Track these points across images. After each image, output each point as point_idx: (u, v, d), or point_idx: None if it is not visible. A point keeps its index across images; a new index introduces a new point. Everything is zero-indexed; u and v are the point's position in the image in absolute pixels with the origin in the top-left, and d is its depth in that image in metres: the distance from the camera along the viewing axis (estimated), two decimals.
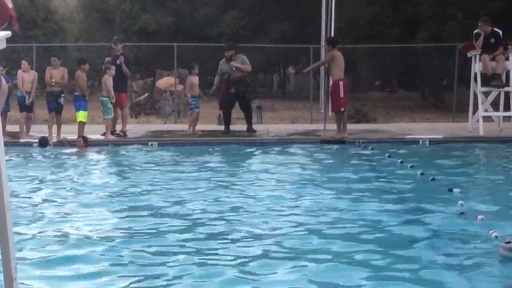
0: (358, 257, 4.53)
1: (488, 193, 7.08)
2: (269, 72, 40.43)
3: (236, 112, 14.88)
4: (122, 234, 5.31)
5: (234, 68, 13.69)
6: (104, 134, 13.22)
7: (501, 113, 13.42)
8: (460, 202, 6.11)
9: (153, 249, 4.79)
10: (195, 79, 14.09)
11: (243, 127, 14.24)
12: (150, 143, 12.47)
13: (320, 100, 19.92)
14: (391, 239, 5.00)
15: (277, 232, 5.29)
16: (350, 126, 13.93)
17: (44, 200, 6.87)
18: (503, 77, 12.99)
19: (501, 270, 4.20)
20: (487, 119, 13.33)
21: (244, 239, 5.08)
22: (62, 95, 13.25)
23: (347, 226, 5.49)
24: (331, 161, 10.13)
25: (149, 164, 9.92)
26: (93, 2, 34.55)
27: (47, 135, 12.78)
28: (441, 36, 20.48)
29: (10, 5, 2.76)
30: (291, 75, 41.49)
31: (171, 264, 4.43)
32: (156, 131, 14.80)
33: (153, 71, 22.49)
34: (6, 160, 2.76)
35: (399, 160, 9.42)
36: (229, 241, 5.03)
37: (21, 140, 12.73)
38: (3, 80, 2.89)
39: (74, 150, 11.71)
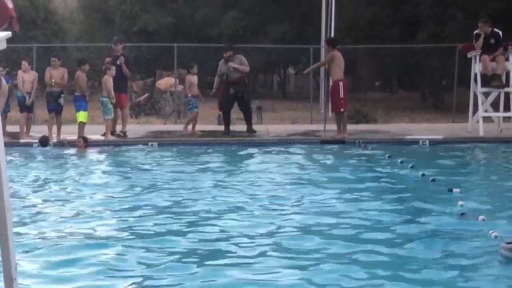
0: (358, 257, 4.53)
1: (488, 194, 7.07)
2: (269, 72, 40.43)
3: (236, 112, 14.89)
4: (122, 234, 5.31)
5: (231, 69, 13.71)
6: (104, 135, 13.22)
7: (501, 114, 13.42)
8: (460, 202, 6.11)
9: (153, 249, 4.79)
10: (194, 79, 14.10)
11: (243, 127, 14.24)
12: (150, 144, 12.48)
13: (320, 100, 19.92)
14: (391, 239, 5.00)
15: (277, 232, 5.29)
16: (350, 127, 13.93)
17: (44, 201, 6.87)
18: (503, 77, 12.99)
19: (502, 271, 4.20)
20: (487, 119, 13.33)
21: (244, 239, 5.08)
22: (62, 95, 13.25)
23: (347, 226, 5.50)
24: (331, 161, 10.13)
25: (149, 164, 9.93)
26: (93, 2, 34.55)
27: (47, 135, 12.77)
28: (441, 37, 20.48)
29: (10, 5, 2.76)
30: (291, 76, 41.49)
31: (171, 264, 4.43)
32: (156, 131, 14.80)
33: (153, 72, 22.49)
34: (6, 161, 2.76)
35: (399, 161, 9.42)
36: (229, 241, 5.03)
37: (21, 141, 12.73)
38: (3, 81, 2.89)
39: (74, 150, 11.70)
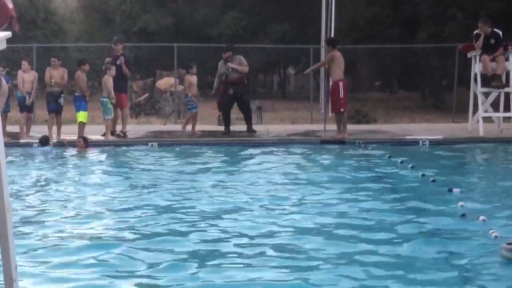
0: (358, 257, 4.53)
1: (488, 194, 7.08)
2: (269, 72, 40.43)
3: (236, 112, 14.89)
4: (123, 235, 5.31)
5: (230, 70, 13.71)
6: (104, 135, 13.22)
7: (501, 114, 13.41)
8: (460, 203, 6.11)
9: (153, 249, 4.79)
10: (193, 79, 14.10)
11: (243, 127, 14.24)
12: (150, 144, 12.47)
13: (320, 100, 19.90)
14: (391, 240, 5.00)
15: (277, 232, 5.29)
16: (350, 127, 13.93)
17: (44, 201, 6.87)
18: (503, 77, 12.98)
19: (502, 271, 4.20)
20: (487, 119, 13.33)
21: (244, 239, 5.08)
22: (62, 95, 13.24)
23: (347, 226, 5.50)
24: (331, 161, 10.13)
25: (149, 164, 9.92)
26: (93, 2, 34.53)
27: (47, 135, 12.77)
28: (441, 37, 20.47)
29: (10, 5, 2.76)
30: (291, 76, 41.49)
31: (171, 264, 4.43)
32: (156, 131, 14.80)
33: (153, 72, 22.48)
34: (6, 161, 2.76)
35: (399, 161, 9.42)
36: (230, 241, 5.03)
37: (21, 141, 12.72)
38: (4, 81, 2.89)
39: (74, 150, 11.70)
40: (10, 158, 10.31)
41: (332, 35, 18.59)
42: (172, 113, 19.07)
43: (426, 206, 6.31)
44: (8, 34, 2.76)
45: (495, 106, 13.34)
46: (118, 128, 13.69)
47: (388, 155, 10.22)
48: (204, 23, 30.84)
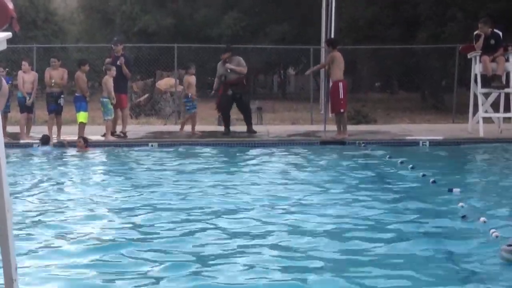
0: (357, 257, 4.54)
1: (489, 194, 7.07)
2: (269, 73, 40.44)
3: (236, 113, 14.89)
4: (123, 234, 5.31)
5: (229, 70, 13.72)
6: (104, 135, 13.22)
7: (501, 115, 13.42)
8: (460, 204, 6.11)
9: (153, 249, 4.79)
10: (192, 79, 14.11)
11: (243, 128, 14.24)
12: (150, 144, 12.48)
13: (320, 101, 19.89)
14: (391, 240, 5.00)
15: (277, 232, 5.29)
16: (350, 127, 13.93)
17: (44, 201, 6.87)
18: (503, 78, 12.99)
19: (502, 272, 4.20)
20: (487, 120, 13.33)
21: (244, 239, 5.08)
22: (62, 96, 13.25)
23: (347, 226, 5.50)
24: (331, 162, 10.13)
25: (149, 165, 9.93)
26: (93, 3, 34.54)
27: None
28: (441, 37, 20.47)
29: (10, 6, 2.76)
30: (291, 76, 41.50)
31: (172, 264, 4.43)
32: (156, 132, 14.80)
33: (153, 72, 22.48)
34: (7, 161, 2.76)
35: (400, 161, 9.43)
36: (230, 241, 5.03)
37: (21, 141, 12.72)
38: (4, 81, 2.89)
39: (75, 151, 11.70)
40: (10, 158, 10.31)
41: (332, 36, 18.60)
42: (172, 114, 19.06)
43: (426, 206, 6.31)
44: (8, 34, 2.77)
45: (495, 106, 13.34)
46: (118, 128, 13.70)
47: (388, 155, 10.22)
48: (204, 24, 30.85)
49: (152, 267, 4.39)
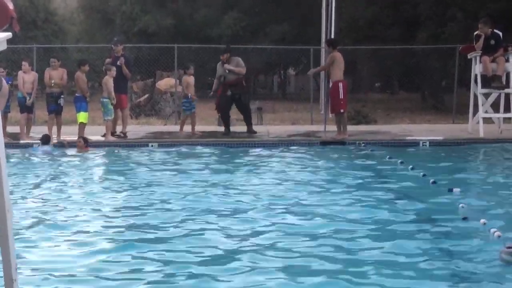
0: (358, 257, 4.54)
1: (489, 194, 7.06)
2: (269, 73, 40.43)
3: (236, 113, 14.89)
4: (123, 235, 5.32)
5: (227, 71, 13.71)
6: (104, 135, 13.22)
7: (501, 115, 13.42)
8: (461, 204, 6.11)
9: (152, 250, 4.79)
10: (190, 79, 14.11)
11: (243, 128, 14.24)
12: (150, 144, 12.48)
13: (320, 101, 19.90)
14: (391, 240, 5.00)
15: (277, 233, 5.29)
16: (350, 128, 13.93)
17: (44, 201, 6.87)
18: (503, 78, 12.99)
19: (502, 272, 4.20)
20: (487, 120, 13.33)
21: (244, 239, 5.08)
22: (62, 96, 13.25)
23: (346, 227, 5.49)
24: (331, 162, 10.13)
25: (150, 165, 9.92)
26: (93, 3, 34.52)
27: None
28: (441, 38, 20.47)
29: (11, 6, 2.76)
30: (292, 77, 41.49)
31: (171, 264, 4.43)
32: (156, 132, 14.80)
33: (154, 73, 22.47)
34: (6, 161, 2.76)
35: (400, 161, 9.43)
36: (229, 241, 5.03)
37: (22, 141, 12.72)
38: (4, 82, 2.89)
39: (75, 151, 11.70)
40: (10, 158, 10.31)
41: (332, 36, 18.60)
42: (172, 114, 19.05)
43: (426, 206, 6.31)
44: (8, 35, 2.76)
45: (495, 107, 13.34)
46: (118, 128, 13.69)
47: (388, 156, 10.22)
48: (204, 24, 30.83)
49: (152, 267, 4.39)
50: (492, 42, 12.79)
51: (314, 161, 10.19)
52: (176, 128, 14.84)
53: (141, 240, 5.14)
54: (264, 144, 12.47)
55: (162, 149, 12.00)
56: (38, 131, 13.40)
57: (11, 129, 13.15)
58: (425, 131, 14.18)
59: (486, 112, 13.15)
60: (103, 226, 5.67)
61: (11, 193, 6.00)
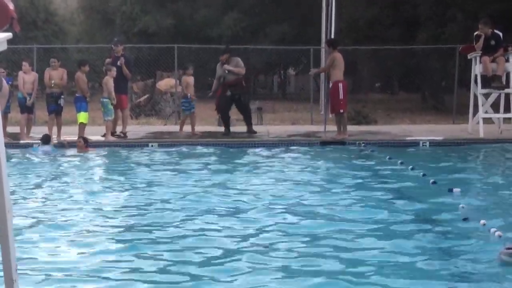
0: (358, 256, 4.54)
1: (489, 195, 7.07)
2: (269, 73, 40.42)
3: (236, 113, 14.90)
4: (123, 235, 5.32)
5: (226, 71, 13.71)
6: (104, 135, 13.22)
7: (501, 115, 13.42)
8: (461, 205, 6.11)
9: (152, 250, 4.79)
10: (190, 79, 14.12)
11: (243, 128, 14.25)
12: (150, 144, 12.48)
13: (320, 101, 19.89)
14: (390, 241, 5.00)
15: (277, 233, 5.29)
16: (351, 128, 13.93)
17: (44, 202, 6.88)
18: (503, 79, 12.99)
19: (503, 273, 4.20)
20: (487, 120, 13.33)
21: (245, 240, 5.08)
22: (62, 96, 13.26)
23: (346, 227, 5.49)
24: (331, 162, 10.13)
25: (150, 165, 9.93)
26: (93, 3, 34.51)
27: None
28: (441, 38, 20.47)
29: (11, 6, 2.76)
30: (292, 77, 41.49)
31: (172, 264, 4.44)
32: (156, 132, 14.81)
33: (154, 73, 22.48)
34: (7, 161, 2.76)
35: (400, 162, 9.43)
36: (229, 242, 5.03)
37: (22, 142, 12.72)
38: (4, 82, 2.89)
39: (75, 151, 11.70)
40: (10, 158, 10.31)
41: (333, 36, 18.58)
42: (172, 114, 19.05)
43: (426, 206, 6.31)
44: (9, 35, 2.76)
45: (495, 107, 13.34)
46: (119, 129, 13.70)
47: (388, 156, 10.22)
48: (204, 24, 30.82)
49: (152, 267, 4.39)
50: (492, 42, 12.79)
51: (314, 161, 10.19)
52: (176, 128, 14.85)
53: (141, 240, 5.14)
54: (264, 144, 12.47)
55: (162, 149, 12.00)
56: (38, 131, 13.40)
57: (11, 129, 13.15)
58: (425, 131, 14.18)
59: (486, 112, 13.15)
60: (103, 226, 5.67)
61: (12, 193, 6.01)
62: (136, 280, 4.12)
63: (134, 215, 6.11)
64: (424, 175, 8.12)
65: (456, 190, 6.90)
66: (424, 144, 12.21)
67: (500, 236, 4.82)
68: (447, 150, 11.41)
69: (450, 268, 4.29)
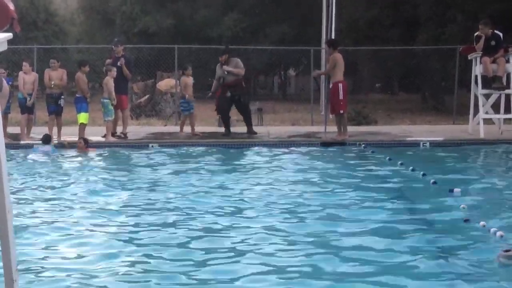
0: (357, 257, 4.54)
1: (490, 195, 7.06)
2: (269, 74, 40.46)
3: (236, 114, 14.90)
4: (123, 235, 5.32)
5: (226, 72, 13.71)
6: (104, 136, 13.22)
7: (501, 116, 13.42)
8: (462, 205, 6.11)
9: (155, 249, 4.80)
10: (189, 80, 14.11)
11: (243, 129, 14.25)
12: (151, 145, 12.48)
13: (320, 102, 19.91)
14: (390, 242, 5.00)
15: (276, 233, 5.29)
16: (351, 128, 13.93)
17: (44, 202, 6.87)
18: (504, 79, 12.99)
19: (503, 273, 4.20)
20: (487, 121, 13.33)
21: (244, 240, 5.08)
22: (62, 97, 13.27)
23: (347, 227, 5.49)
24: (332, 163, 10.13)
25: (150, 166, 9.93)
26: (93, 4, 34.54)
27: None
28: (441, 39, 20.48)
29: (11, 7, 2.76)
30: (292, 77, 41.52)
31: (172, 264, 4.44)
32: (156, 133, 14.81)
33: (154, 73, 22.49)
34: (7, 162, 2.76)
35: (400, 162, 9.42)
36: (229, 241, 5.03)
37: (22, 142, 12.72)
38: (4, 82, 2.89)
39: (75, 152, 11.70)
40: (11, 159, 10.31)
41: (333, 36, 18.59)
42: (172, 115, 19.05)
43: (427, 206, 6.31)
44: (9, 35, 2.77)
45: (495, 107, 13.34)
46: (119, 129, 13.70)
47: (388, 157, 10.22)
48: (204, 24, 30.84)
49: (152, 267, 4.39)
50: (493, 43, 12.80)
51: (314, 162, 10.18)
52: (177, 128, 14.86)
53: (141, 240, 5.14)
54: (264, 144, 12.47)
55: (162, 150, 12.00)
56: (38, 131, 13.41)
57: (11, 129, 13.16)
58: (425, 132, 14.19)
59: (486, 113, 13.15)
60: (103, 226, 5.67)
61: (12, 193, 6.01)
62: (136, 280, 4.11)
63: (134, 215, 6.11)
64: (424, 175, 8.12)
65: (457, 190, 6.90)
66: (424, 144, 12.20)
67: (501, 236, 4.81)
68: (448, 151, 11.41)
69: (450, 268, 4.29)
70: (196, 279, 4.14)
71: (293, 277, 4.14)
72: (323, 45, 18.51)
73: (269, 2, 31.82)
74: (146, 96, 20.88)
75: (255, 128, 14.40)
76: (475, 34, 13.08)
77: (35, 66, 15.62)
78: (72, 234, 5.36)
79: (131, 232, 5.45)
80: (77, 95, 13.13)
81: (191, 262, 4.49)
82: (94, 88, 21.04)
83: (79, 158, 11.04)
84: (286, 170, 9.16)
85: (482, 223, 5.36)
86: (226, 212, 6.20)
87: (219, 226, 5.60)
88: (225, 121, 14.18)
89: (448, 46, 18.88)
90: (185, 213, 6.18)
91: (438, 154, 11.10)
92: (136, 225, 5.72)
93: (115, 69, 13.02)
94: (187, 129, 14.12)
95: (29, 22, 30.46)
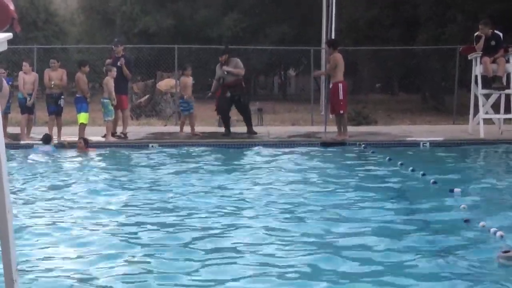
0: (357, 256, 4.54)
1: (490, 195, 7.06)
2: (270, 74, 40.46)
3: (236, 114, 14.90)
4: (122, 235, 5.32)
5: (226, 73, 13.71)
6: (104, 136, 13.22)
7: (501, 116, 13.42)
8: (462, 205, 6.11)
9: (156, 250, 4.80)
10: (188, 80, 14.11)
11: (243, 129, 14.25)
12: (151, 145, 12.48)
13: (320, 102, 19.91)
14: (390, 242, 4.99)
15: (276, 233, 5.29)
16: (351, 128, 13.94)
17: (44, 202, 6.87)
18: (504, 79, 12.99)
19: (502, 273, 4.20)
20: (487, 121, 13.33)
21: (243, 240, 5.08)
22: (62, 97, 13.27)
23: (347, 227, 5.49)
24: (332, 163, 10.13)
25: (150, 166, 9.93)
26: (93, 4, 34.54)
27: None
28: (441, 39, 20.48)
29: (11, 7, 2.76)
30: (292, 77, 41.52)
31: (172, 264, 4.44)
32: (156, 133, 14.81)
33: (154, 73, 22.49)
34: (7, 162, 2.76)
35: (400, 163, 9.42)
36: (229, 241, 5.03)
37: (22, 142, 12.73)
38: (4, 82, 2.89)
39: (75, 152, 11.70)
40: (11, 159, 10.31)
41: (333, 36, 18.59)
42: (172, 115, 19.05)
43: (427, 206, 6.31)
44: (9, 35, 2.77)
45: (495, 107, 13.34)
46: (119, 129, 13.70)
47: (388, 157, 10.22)
48: (204, 24, 30.85)
49: (152, 267, 4.39)
50: (493, 43, 12.80)
51: (314, 162, 10.18)
52: (177, 128, 14.86)
53: (141, 240, 5.14)
54: (264, 144, 12.47)
55: (162, 150, 12.00)
56: (38, 131, 13.41)
57: (11, 129, 13.16)
58: (425, 132, 14.19)
59: (486, 113, 13.16)
60: (103, 226, 5.67)
61: (12, 193, 6.01)
62: (136, 280, 4.11)
63: (134, 215, 6.11)
64: (424, 175, 8.12)
65: (457, 190, 6.90)
66: (424, 144, 12.20)
67: (501, 236, 4.81)
68: (448, 151, 11.41)
69: (450, 268, 4.29)
70: (196, 279, 4.14)
71: (293, 277, 4.14)
72: (323, 45, 18.51)
73: (269, 2, 31.82)
74: (146, 96, 20.89)
75: (255, 128, 14.41)
76: (475, 34, 13.08)
77: (35, 66, 15.62)
78: (72, 234, 5.36)
79: (131, 232, 5.45)
80: (77, 95, 13.14)
81: (191, 262, 4.49)
82: (94, 88, 21.04)
83: (79, 158, 11.03)
84: (286, 170, 9.16)
85: (482, 223, 5.36)
86: (226, 212, 6.20)
87: (219, 226, 5.60)
88: (225, 121, 14.18)
89: (448, 46, 18.88)
90: (185, 213, 6.18)
91: (438, 154, 11.11)
92: (136, 225, 5.72)
93: (115, 69, 13.03)
94: (187, 129, 14.12)
95: (29, 22, 30.47)
